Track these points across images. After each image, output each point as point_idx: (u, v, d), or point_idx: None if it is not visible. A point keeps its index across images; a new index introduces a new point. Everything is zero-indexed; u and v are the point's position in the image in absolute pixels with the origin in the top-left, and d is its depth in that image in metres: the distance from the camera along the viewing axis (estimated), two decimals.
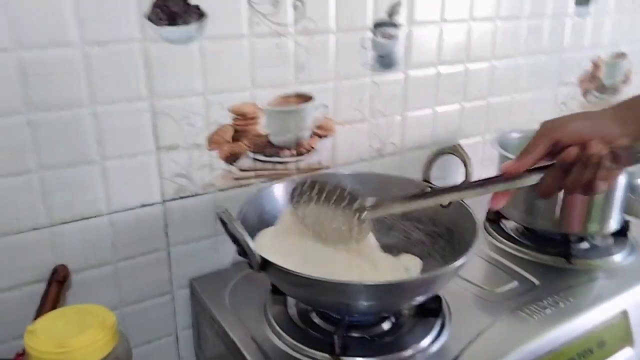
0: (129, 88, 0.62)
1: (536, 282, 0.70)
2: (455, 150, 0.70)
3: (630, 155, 0.53)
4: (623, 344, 0.67)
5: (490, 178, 0.58)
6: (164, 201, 0.68)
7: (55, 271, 0.62)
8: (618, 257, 0.77)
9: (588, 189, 0.54)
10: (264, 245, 0.60)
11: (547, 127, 0.56)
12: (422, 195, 0.60)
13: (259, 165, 0.75)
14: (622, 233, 0.82)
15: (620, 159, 0.52)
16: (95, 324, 0.52)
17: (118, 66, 0.60)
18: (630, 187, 1.23)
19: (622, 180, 0.76)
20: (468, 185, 0.59)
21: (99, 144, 0.61)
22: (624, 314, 0.67)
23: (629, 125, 0.55)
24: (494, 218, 0.86)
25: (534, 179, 0.56)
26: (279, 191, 0.69)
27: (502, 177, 0.56)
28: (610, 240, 0.82)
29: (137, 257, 0.68)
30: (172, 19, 0.62)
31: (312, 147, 0.79)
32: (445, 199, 0.60)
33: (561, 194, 0.74)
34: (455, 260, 0.53)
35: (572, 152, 0.53)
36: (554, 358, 0.60)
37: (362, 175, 0.74)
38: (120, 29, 0.59)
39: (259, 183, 0.75)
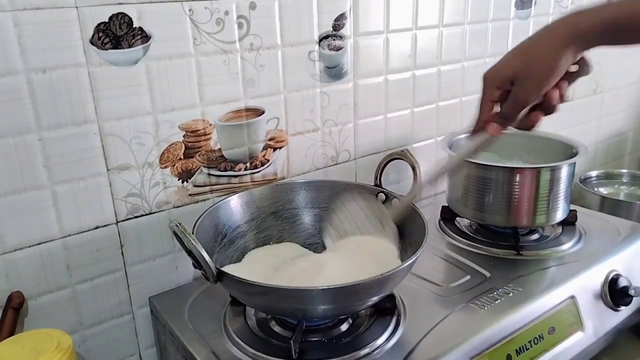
0: (76, 112, 0.62)
1: (487, 274, 0.73)
2: (403, 155, 0.73)
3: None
4: (574, 329, 0.70)
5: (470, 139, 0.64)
6: (117, 222, 0.68)
7: (10, 298, 0.61)
8: (566, 246, 0.80)
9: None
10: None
11: (486, 80, 0.60)
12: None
13: (213, 180, 0.76)
14: (570, 222, 0.85)
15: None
16: (51, 348, 0.53)
17: (64, 91, 0.61)
18: (580, 178, 1.29)
19: (564, 172, 0.80)
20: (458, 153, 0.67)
21: (48, 168, 0.62)
22: (573, 299, 0.70)
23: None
24: (449, 217, 0.89)
25: None
26: (234, 203, 0.71)
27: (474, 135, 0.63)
28: (559, 230, 0.85)
29: (94, 279, 0.68)
30: (117, 42, 0.63)
31: (267, 159, 0.80)
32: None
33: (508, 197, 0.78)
34: (407, 259, 0.55)
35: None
36: (505, 346, 0.62)
37: (315, 183, 0.77)
38: (64, 54, 0.60)
39: (214, 198, 0.76)
